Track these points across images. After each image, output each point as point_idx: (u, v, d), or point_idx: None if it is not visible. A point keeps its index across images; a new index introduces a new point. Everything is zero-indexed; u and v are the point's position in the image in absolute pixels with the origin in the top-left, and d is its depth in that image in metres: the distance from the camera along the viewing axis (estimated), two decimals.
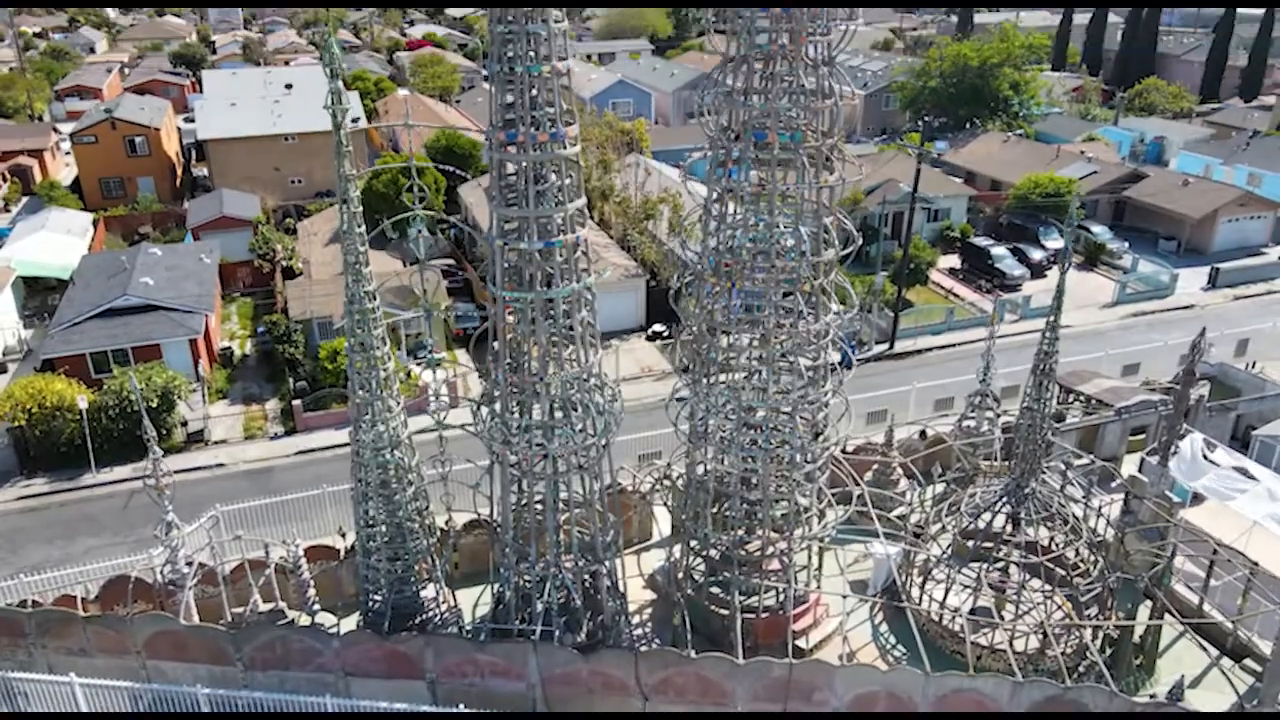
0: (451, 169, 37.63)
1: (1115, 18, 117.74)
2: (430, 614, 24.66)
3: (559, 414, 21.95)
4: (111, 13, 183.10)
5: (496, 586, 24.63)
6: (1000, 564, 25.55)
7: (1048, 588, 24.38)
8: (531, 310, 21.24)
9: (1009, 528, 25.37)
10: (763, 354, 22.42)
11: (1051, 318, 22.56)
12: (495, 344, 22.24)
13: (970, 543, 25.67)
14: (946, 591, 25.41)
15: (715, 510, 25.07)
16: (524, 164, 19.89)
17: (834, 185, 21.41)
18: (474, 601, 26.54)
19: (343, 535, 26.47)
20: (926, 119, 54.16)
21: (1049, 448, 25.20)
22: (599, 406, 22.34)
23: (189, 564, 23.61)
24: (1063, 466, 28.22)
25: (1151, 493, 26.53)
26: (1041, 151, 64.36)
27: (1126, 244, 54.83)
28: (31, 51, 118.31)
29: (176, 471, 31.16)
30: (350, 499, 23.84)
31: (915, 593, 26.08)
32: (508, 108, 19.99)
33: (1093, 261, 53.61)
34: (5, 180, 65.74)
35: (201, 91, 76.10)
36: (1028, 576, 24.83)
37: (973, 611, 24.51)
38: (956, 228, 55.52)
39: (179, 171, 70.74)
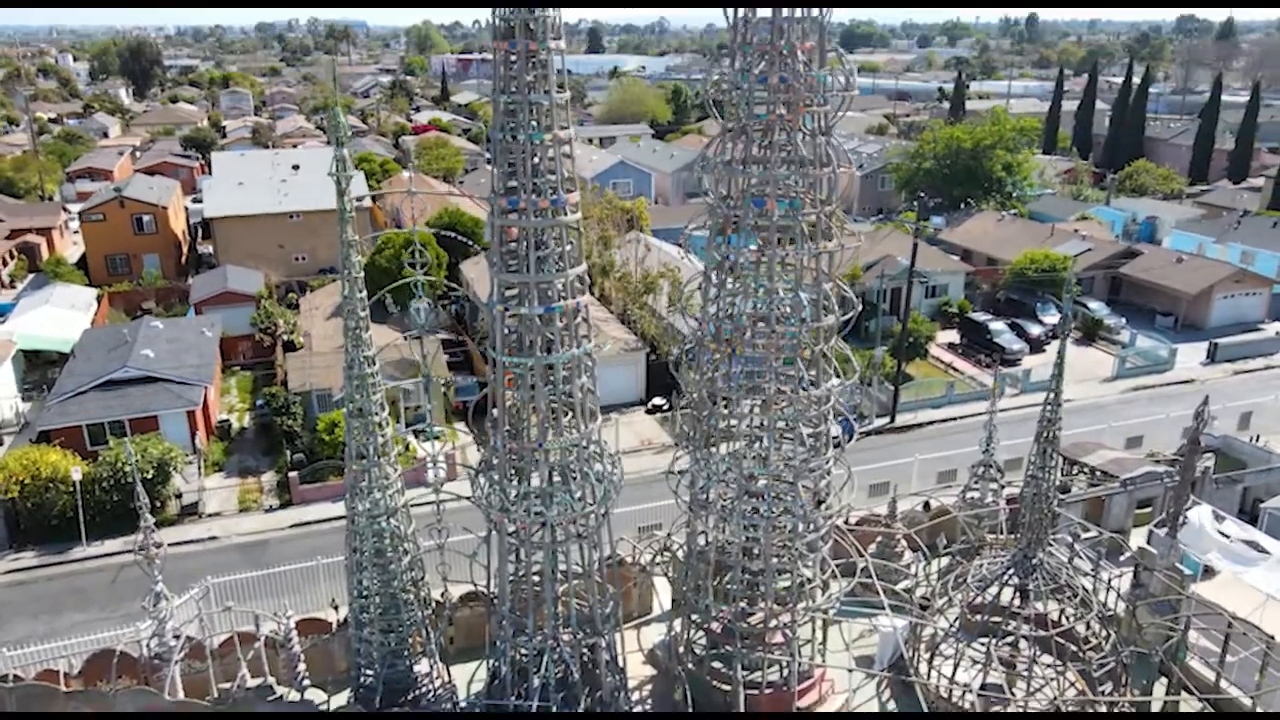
0: (454, 234, 38.08)
1: (1103, 105, 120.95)
2: (424, 690, 23.91)
3: (557, 481, 21.71)
4: (126, 99, 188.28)
5: (492, 661, 23.92)
6: (1010, 639, 24.89)
7: (1059, 663, 23.70)
8: (531, 376, 21.20)
9: (1017, 600, 24.81)
10: (764, 421, 22.26)
11: (1053, 385, 22.46)
12: (494, 411, 22.15)
13: (978, 617, 25.05)
14: (955, 667, 24.69)
15: (717, 582, 24.56)
16: (525, 229, 20.09)
17: (833, 252, 21.59)
18: (469, 677, 25.78)
19: (335, 608, 25.89)
20: (922, 196, 54.94)
21: (1055, 519, 24.83)
22: (598, 474, 22.10)
23: (176, 636, 22.98)
24: (1069, 539, 27.82)
25: (1162, 565, 26.06)
26: (1036, 230, 65.26)
27: (1124, 320, 55.17)
28: (45, 135, 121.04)
29: (169, 544, 30.71)
30: (344, 570, 23.37)
31: (923, 668, 25.35)
32: (510, 175, 20.30)
33: (1091, 337, 53.80)
34: (12, 257, 66.48)
35: (210, 173, 77.60)
36: (1038, 651, 24.19)
37: (983, 688, 23.79)
38: (954, 303, 55.92)
39: (185, 249, 71.61)
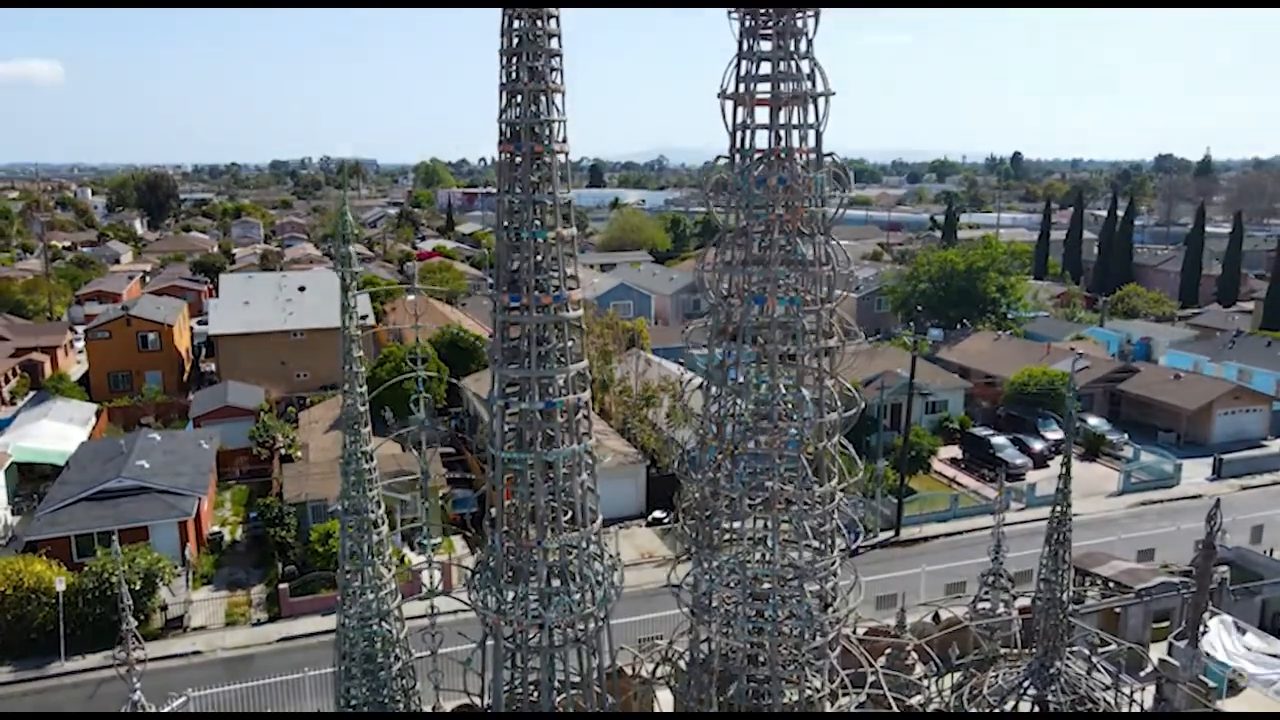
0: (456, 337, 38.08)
1: (1090, 235, 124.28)
2: None
3: (556, 583, 21.10)
4: (140, 229, 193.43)
5: None
6: None
7: None
8: (531, 473, 20.92)
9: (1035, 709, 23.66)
10: (768, 520, 21.80)
11: (1063, 484, 22.15)
12: (492, 511, 21.75)
13: None
14: None
15: (721, 696, 23.47)
16: (527, 325, 20.24)
17: (833, 349, 21.67)
18: None
19: None
20: (919, 311, 55.74)
21: (1071, 629, 23.99)
22: (598, 575, 21.50)
23: None
24: (1086, 651, 26.81)
25: (1185, 677, 25.03)
26: (1033, 349, 65.84)
27: (1125, 436, 54.95)
28: (59, 261, 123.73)
29: (151, 659, 29.58)
30: (332, 682, 22.38)
31: None
32: (513, 272, 20.62)
33: (1094, 453, 53.45)
34: (14, 375, 66.73)
35: (217, 295, 78.88)
36: None
37: None
38: (955, 419, 55.83)
39: (187, 367, 72.00)
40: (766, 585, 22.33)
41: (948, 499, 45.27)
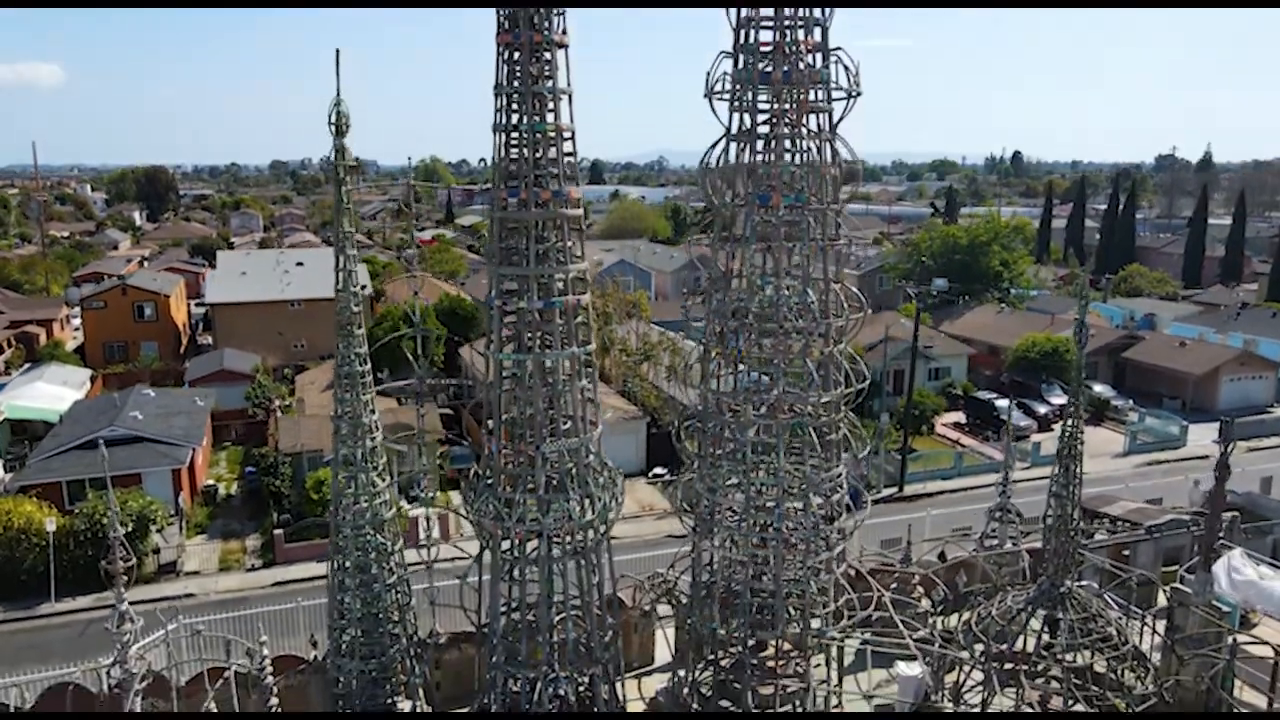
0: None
1: (1091, 224, 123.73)
2: None
3: (556, 490, 20.53)
4: (139, 220, 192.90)
5: (482, 699, 21.99)
6: (1040, 679, 23.06)
7: (1094, 702, 21.81)
8: (529, 378, 20.37)
9: (1045, 634, 23.11)
10: (772, 426, 21.24)
11: (1075, 388, 21.63)
12: (490, 422, 21.21)
13: (1006, 666, 23.14)
14: (984, 705, 22.75)
15: (723, 629, 22.85)
16: (526, 221, 19.69)
17: (840, 249, 21.16)
18: None
19: (314, 644, 24.06)
20: (927, 267, 55.12)
21: (1081, 559, 23.40)
22: (598, 485, 20.91)
23: (141, 659, 21.19)
24: (1096, 586, 26.23)
25: (1198, 602, 24.42)
26: (1036, 320, 65.28)
27: (1130, 401, 54.39)
28: (56, 247, 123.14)
29: (142, 601, 29.05)
30: (326, 596, 21.85)
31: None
32: (511, 164, 20.05)
33: (1099, 418, 52.87)
34: (10, 345, 66.17)
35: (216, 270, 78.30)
36: (1073, 702, 22.21)
37: None
38: (958, 385, 55.26)
39: (185, 340, 71.43)
40: (771, 503, 21.78)
41: (952, 456, 44.74)
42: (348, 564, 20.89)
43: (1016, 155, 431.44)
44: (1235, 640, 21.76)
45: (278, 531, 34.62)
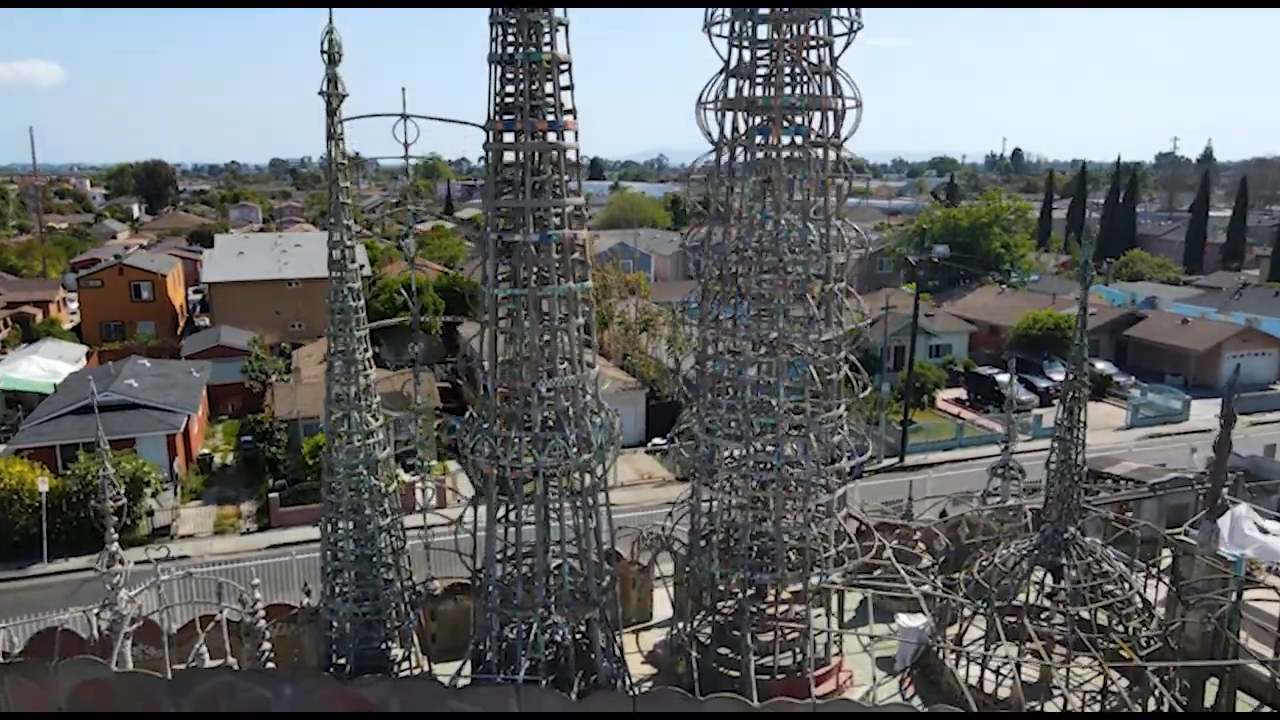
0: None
1: (1092, 213, 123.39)
2: (399, 675, 21.62)
3: (552, 429, 20.20)
4: (137, 213, 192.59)
5: (475, 644, 21.64)
6: (1043, 623, 22.75)
7: (1099, 646, 21.47)
8: (525, 314, 20.04)
9: (1048, 580, 22.83)
10: (772, 364, 20.94)
11: (1079, 325, 21.36)
12: (485, 362, 20.90)
13: (1009, 620, 22.77)
14: (983, 669, 22.47)
15: (723, 578, 22.54)
16: (521, 154, 19.36)
17: (840, 185, 20.85)
18: (450, 677, 23.36)
19: (307, 593, 23.75)
20: (928, 247, 54.81)
21: (1085, 510, 23.07)
22: (596, 424, 20.57)
23: (130, 603, 20.91)
24: (1100, 542, 25.92)
25: (1203, 552, 24.11)
26: (1037, 300, 65.00)
27: (1132, 378, 54.10)
28: (55, 234, 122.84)
29: (135, 563, 28.71)
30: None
31: (949, 664, 23.07)
32: (506, 97, 19.71)
33: (1100, 393, 52.54)
34: (6, 325, 65.90)
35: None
36: (1073, 654, 21.86)
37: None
38: (959, 362, 54.96)
39: (182, 322, 71.12)
40: (771, 447, 21.46)
41: (953, 428, 44.47)
42: (341, 504, 20.56)
43: (1016, 152, 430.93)
44: (1241, 583, 21.43)
45: (273, 495, 34.33)
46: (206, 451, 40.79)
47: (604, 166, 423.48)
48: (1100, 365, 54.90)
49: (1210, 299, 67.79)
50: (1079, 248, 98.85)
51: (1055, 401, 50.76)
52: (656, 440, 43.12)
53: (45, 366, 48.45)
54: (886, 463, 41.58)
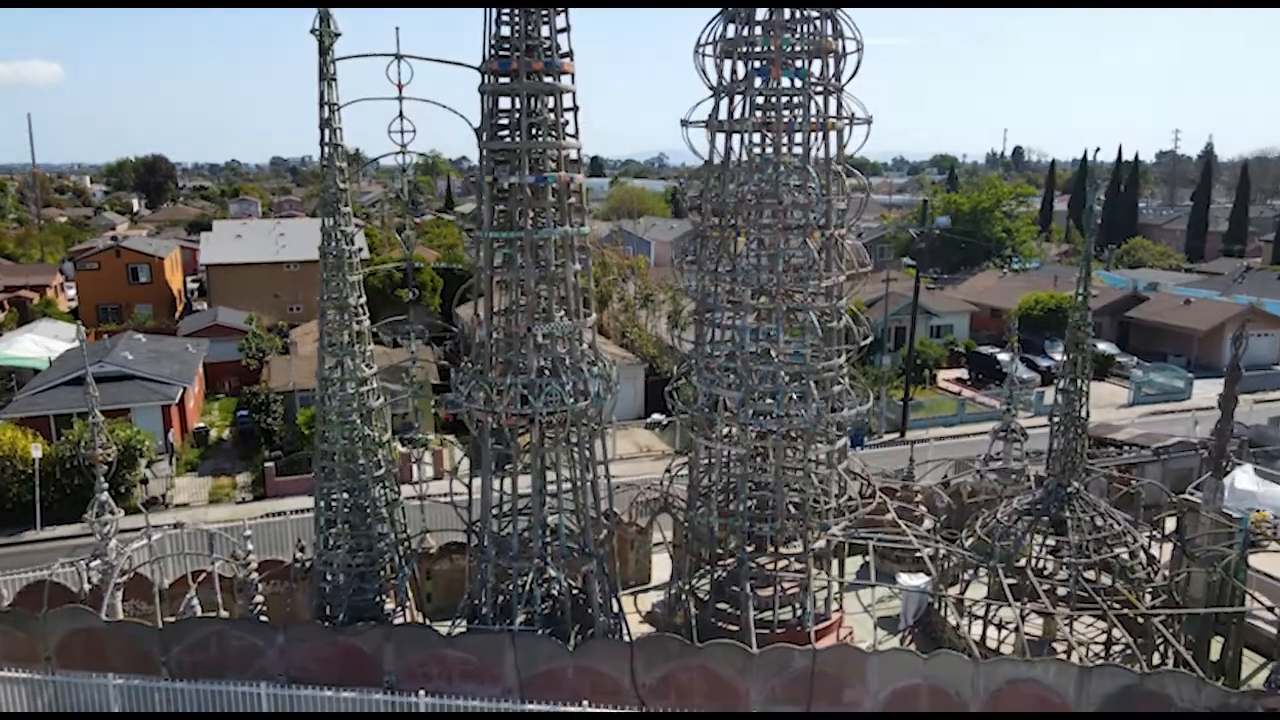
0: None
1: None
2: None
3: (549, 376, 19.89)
4: (136, 204, 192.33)
5: (471, 598, 21.32)
6: (1046, 586, 22.41)
7: (1105, 601, 21.16)
8: (521, 256, 19.73)
9: (1051, 535, 22.52)
10: (772, 309, 20.63)
11: (1082, 274, 21.08)
12: (480, 312, 20.61)
13: (1010, 582, 22.41)
14: (985, 625, 22.16)
15: (723, 529, 22.23)
16: (517, 94, 19.05)
17: (840, 130, 20.55)
18: (446, 634, 23.07)
19: (301, 549, 23.44)
20: (931, 231, 54.43)
21: (1087, 470, 22.79)
22: (592, 373, 20.26)
23: (120, 553, 20.65)
24: (1104, 504, 25.62)
25: (1208, 510, 23.83)
26: (1039, 283, 64.69)
27: (1134, 359, 53.74)
28: (54, 223, 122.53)
29: (129, 530, 28.44)
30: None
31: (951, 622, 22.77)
32: (502, 40, 19.40)
33: (1102, 373, 52.18)
34: (3, 309, 65.58)
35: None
36: (1077, 609, 21.54)
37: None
38: (960, 342, 54.64)
39: (180, 306, 70.81)
40: (771, 402, 21.12)
41: (955, 404, 44.13)
42: (334, 452, 20.26)
43: (1017, 150, 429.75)
44: (1247, 534, 21.13)
45: (269, 464, 34.02)
46: (203, 425, 40.50)
47: (604, 164, 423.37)
48: (1102, 346, 54.50)
49: (1213, 284, 67.46)
50: (1080, 238, 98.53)
51: (1055, 382, 50.61)
52: (656, 415, 42.83)
53: (40, 344, 48.15)
54: (888, 437, 41.26)
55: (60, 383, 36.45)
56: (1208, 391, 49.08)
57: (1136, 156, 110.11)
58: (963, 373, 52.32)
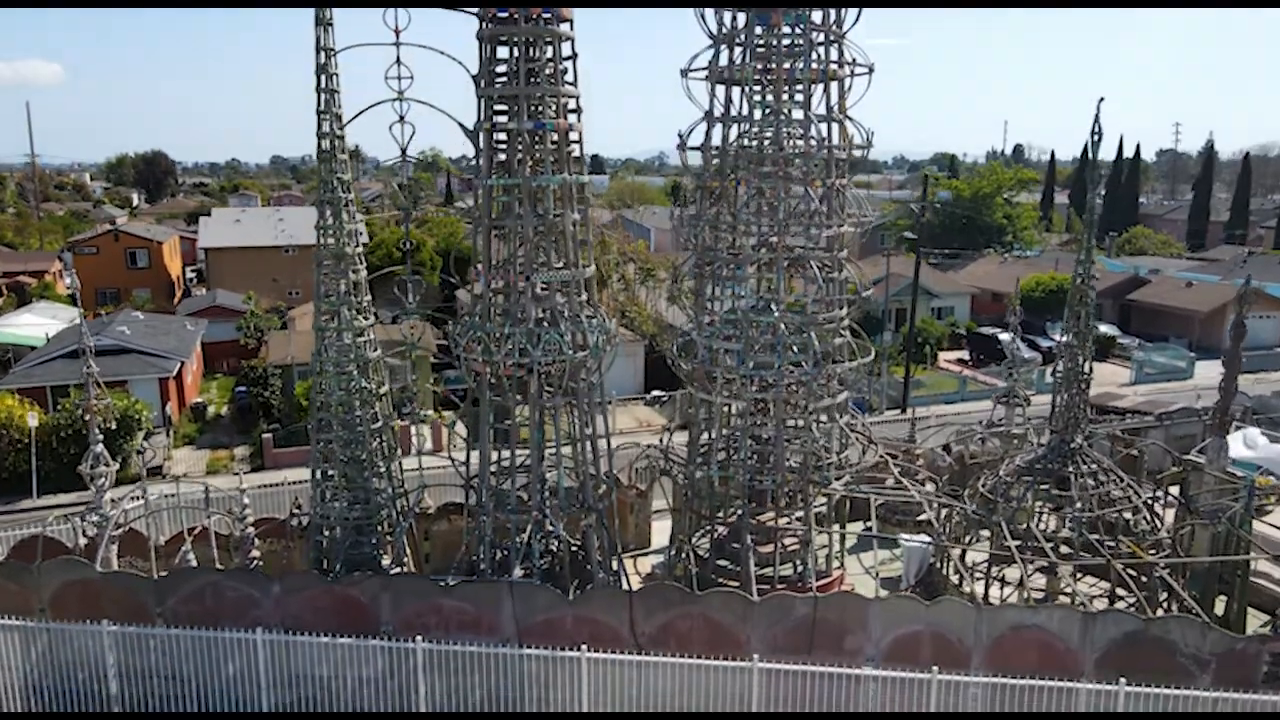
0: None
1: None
2: None
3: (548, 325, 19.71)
4: (135, 198, 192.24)
5: (468, 553, 21.14)
6: (1051, 543, 22.25)
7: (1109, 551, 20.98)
8: (519, 205, 19.55)
9: (1055, 491, 22.33)
10: (772, 260, 20.46)
11: (1087, 225, 20.89)
12: (478, 267, 20.43)
13: (1014, 544, 22.21)
14: (987, 582, 21.98)
15: (722, 485, 22.05)
16: (515, 38, 18.86)
17: (843, 79, 20.36)
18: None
19: (298, 507, 23.26)
20: (931, 216, 54.24)
21: (1090, 433, 22.59)
22: (591, 325, 20.06)
23: (114, 506, 20.48)
24: (1107, 461, 25.45)
25: (1213, 470, 23.65)
26: (1040, 268, 64.50)
27: (1136, 341, 53.57)
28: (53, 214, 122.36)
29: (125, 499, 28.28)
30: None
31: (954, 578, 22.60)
32: None
33: (1104, 354, 51.99)
34: (2, 294, 65.42)
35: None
36: (1080, 566, 21.37)
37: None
38: (961, 325, 54.47)
39: (178, 292, 70.67)
40: (771, 355, 20.92)
41: (956, 382, 43.95)
42: (331, 404, 20.08)
43: (1017, 148, 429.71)
44: (1252, 486, 20.95)
45: (267, 435, 33.84)
46: (201, 400, 40.32)
47: (605, 163, 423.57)
48: (1104, 328, 54.35)
49: (1214, 269, 67.25)
50: (1081, 227, 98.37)
51: (1057, 363, 50.40)
52: (656, 391, 42.70)
53: (37, 323, 48.02)
54: (889, 414, 41.08)
55: (57, 355, 36.31)
56: (1209, 372, 48.91)
57: (1138, 149, 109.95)
58: (964, 354, 52.19)
